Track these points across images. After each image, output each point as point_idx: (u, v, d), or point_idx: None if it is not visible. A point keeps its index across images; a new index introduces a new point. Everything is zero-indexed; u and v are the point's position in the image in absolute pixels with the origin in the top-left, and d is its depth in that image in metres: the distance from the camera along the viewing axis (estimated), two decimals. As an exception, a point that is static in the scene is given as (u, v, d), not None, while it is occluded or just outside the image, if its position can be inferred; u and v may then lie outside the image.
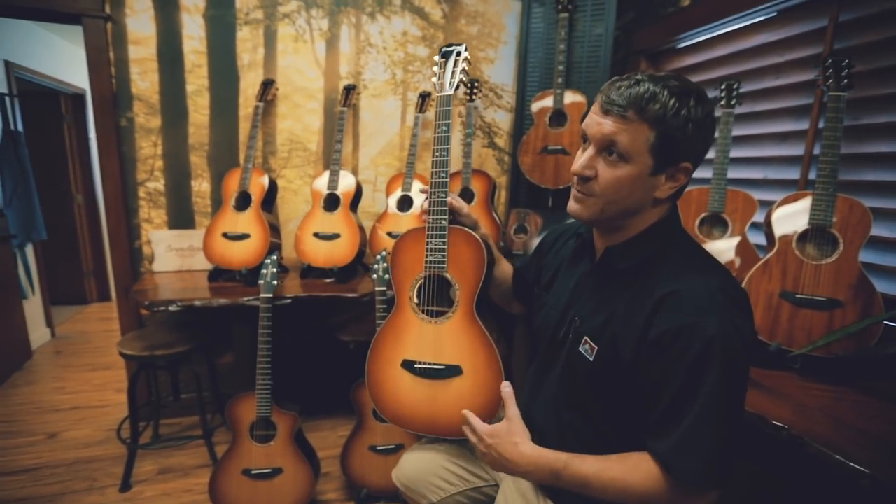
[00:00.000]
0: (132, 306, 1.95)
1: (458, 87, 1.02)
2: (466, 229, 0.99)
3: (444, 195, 0.98)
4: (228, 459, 1.46)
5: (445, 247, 0.99)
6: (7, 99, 2.59)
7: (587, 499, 0.77)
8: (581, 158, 0.72)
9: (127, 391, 1.70)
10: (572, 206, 0.76)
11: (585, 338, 0.77)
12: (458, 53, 1.02)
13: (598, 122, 0.69)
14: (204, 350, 1.75)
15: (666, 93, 0.65)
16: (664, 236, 0.75)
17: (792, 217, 1.20)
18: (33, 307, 2.84)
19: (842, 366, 1.10)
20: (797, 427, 0.90)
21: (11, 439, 1.95)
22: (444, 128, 1.01)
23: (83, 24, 1.70)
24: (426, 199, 1.00)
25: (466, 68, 1.03)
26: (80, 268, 3.63)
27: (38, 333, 2.88)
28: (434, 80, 1.04)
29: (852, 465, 0.78)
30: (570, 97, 1.93)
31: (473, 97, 2.08)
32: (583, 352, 0.76)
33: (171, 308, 1.54)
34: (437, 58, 1.04)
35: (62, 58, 3.20)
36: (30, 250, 2.83)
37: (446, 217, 0.98)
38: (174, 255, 1.94)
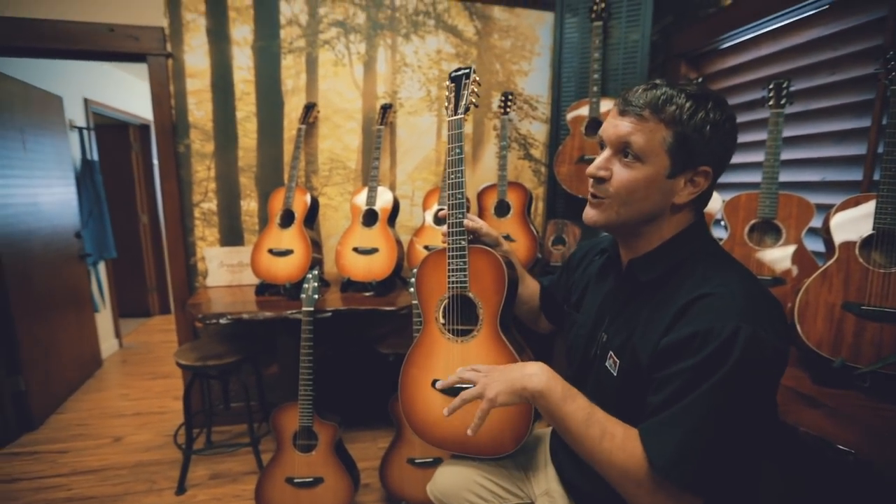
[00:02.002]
0: (188, 319, 2.08)
1: (468, 110, 1.04)
2: (486, 248, 1.00)
3: (461, 216, 1.00)
4: (273, 467, 1.52)
5: (466, 267, 1.00)
6: (85, 132, 2.88)
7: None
8: (596, 160, 0.72)
9: (182, 399, 1.81)
10: (587, 212, 0.76)
11: (610, 353, 0.75)
12: (467, 76, 1.04)
13: (615, 125, 0.70)
14: (252, 361, 1.83)
15: (683, 96, 0.66)
16: (689, 247, 0.71)
17: (853, 222, 1.11)
18: (104, 320, 3.10)
19: (919, 385, 0.99)
20: (865, 452, 0.82)
21: (83, 441, 2.12)
22: (458, 150, 1.03)
23: (148, 62, 1.87)
24: (446, 222, 1.01)
25: (476, 90, 1.05)
26: (145, 283, 3.93)
27: (107, 344, 3.13)
28: (445, 104, 1.06)
29: (932, 496, 0.70)
30: (606, 105, 1.90)
31: (508, 110, 2.09)
32: (608, 367, 0.75)
33: (222, 321, 1.63)
34: (447, 82, 1.07)
35: (131, 92, 3.52)
36: (101, 267, 3.11)
37: (465, 237, 1.00)
38: (225, 271, 2.07)
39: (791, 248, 1.32)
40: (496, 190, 2.06)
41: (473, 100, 1.05)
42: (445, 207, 1.03)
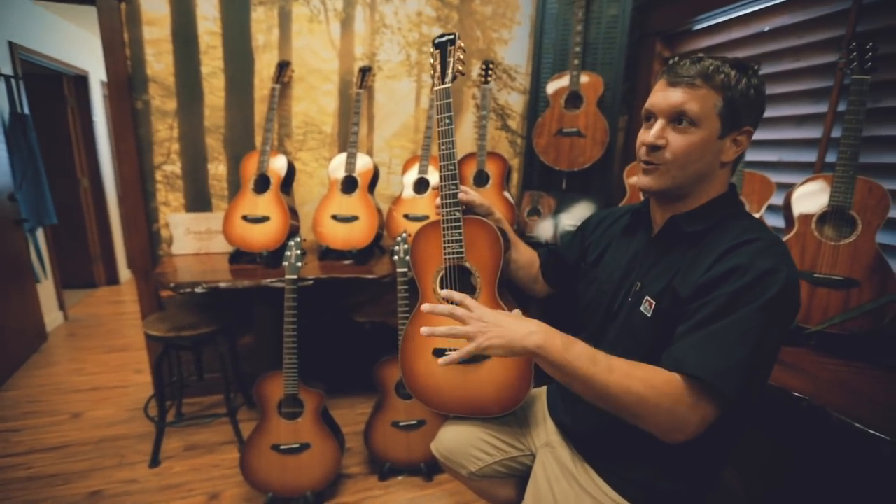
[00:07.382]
0: (152, 289, 1.97)
1: (455, 78, 1.01)
2: (480, 218, 1.02)
3: (454, 188, 1.00)
4: (258, 435, 1.51)
5: (462, 237, 1.01)
6: (13, 81, 2.55)
7: (627, 460, 0.81)
8: (652, 130, 0.76)
9: (152, 371, 1.74)
10: (642, 179, 0.79)
11: (646, 297, 0.79)
12: (452, 42, 1.00)
13: (667, 96, 0.75)
14: (227, 331, 1.78)
15: (728, 66, 0.73)
16: (727, 209, 0.79)
17: (811, 196, 1.23)
18: (46, 291, 2.86)
19: (856, 343, 1.14)
20: (816, 398, 0.94)
21: (37, 419, 1.99)
22: (447, 120, 1.00)
23: (98, 4, 1.68)
24: (439, 195, 1.01)
25: (462, 57, 1.01)
26: (88, 252, 3.64)
27: (51, 316, 2.90)
28: (431, 72, 1.02)
29: (873, 432, 0.82)
30: (585, 78, 1.93)
31: (488, 79, 2.07)
32: (643, 311, 0.80)
33: (198, 290, 1.56)
34: (432, 49, 1.03)
35: (63, 39, 3.14)
36: (40, 234, 2.83)
37: (460, 209, 1.00)
38: (192, 238, 1.96)
39: (752, 222, 1.44)
40: (475, 159, 2.06)
41: (460, 67, 1.00)
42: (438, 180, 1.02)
